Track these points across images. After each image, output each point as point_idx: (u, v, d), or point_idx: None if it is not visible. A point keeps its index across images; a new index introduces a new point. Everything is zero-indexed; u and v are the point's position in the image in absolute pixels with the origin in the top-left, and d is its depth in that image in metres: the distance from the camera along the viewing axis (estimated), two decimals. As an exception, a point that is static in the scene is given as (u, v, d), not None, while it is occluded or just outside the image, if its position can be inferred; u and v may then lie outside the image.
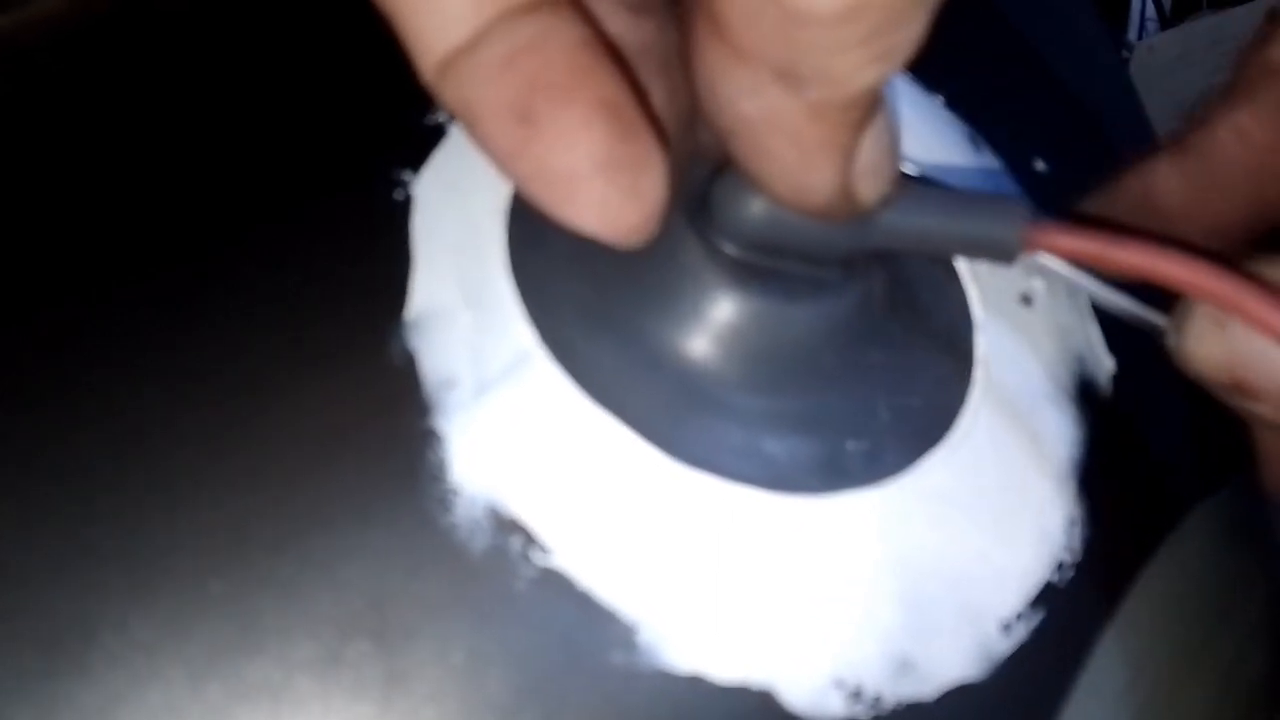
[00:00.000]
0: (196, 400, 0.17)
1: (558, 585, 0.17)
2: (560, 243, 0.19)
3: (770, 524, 0.18)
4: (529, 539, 0.17)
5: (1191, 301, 0.18)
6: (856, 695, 0.18)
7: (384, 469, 0.17)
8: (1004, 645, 0.19)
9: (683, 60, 0.15)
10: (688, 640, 0.17)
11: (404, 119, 0.20)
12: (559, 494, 0.17)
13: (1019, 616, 0.19)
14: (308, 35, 0.21)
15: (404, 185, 0.19)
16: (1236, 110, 0.22)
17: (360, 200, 0.19)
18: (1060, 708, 0.19)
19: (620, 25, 0.16)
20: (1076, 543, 0.20)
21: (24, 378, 0.17)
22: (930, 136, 0.23)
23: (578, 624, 0.17)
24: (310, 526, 0.17)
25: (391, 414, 0.17)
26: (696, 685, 0.17)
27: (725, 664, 0.17)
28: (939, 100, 0.24)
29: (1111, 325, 0.23)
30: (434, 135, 0.19)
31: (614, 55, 0.15)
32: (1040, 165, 0.25)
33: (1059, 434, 0.21)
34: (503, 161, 0.15)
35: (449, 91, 0.15)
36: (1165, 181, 0.22)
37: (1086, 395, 0.22)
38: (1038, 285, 0.23)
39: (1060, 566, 0.20)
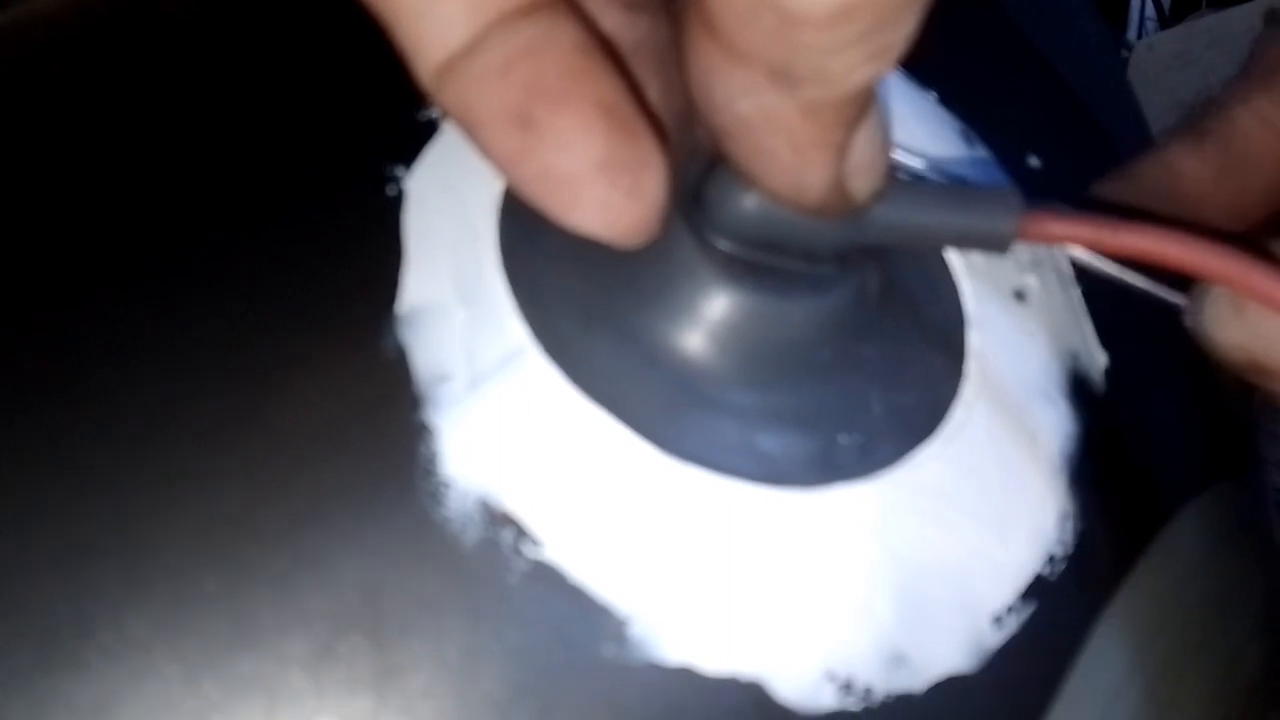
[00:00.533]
0: (189, 395, 0.17)
1: (550, 579, 0.17)
2: (553, 238, 0.19)
3: (762, 517, 0.18)
4: (521, 532, 0.17)
5: (1209, 285, 0.18)
6: (847, 687, 0.18)
7: (376, 463, 0.17)
8: (995, 638, 0.19)
9: (677, 56, 0.15)
10: (679, 633, 0.17)
11: (397, 114, 0.20)
12: (551, 488, 0.17)
13: (1010, 609, 0.19)
14: (302, 32, 0.21)
15: (397, 180, 0.19)
16: (1256, 95, 0.22)
17: (353, 195, 0.19)
18: (1051, 701, 0.19)
19: (614, 22, 0.16)
20: (1069, 537, 0.20)
21: (18, 375, 0.17)
22: (923, 132, 0.23)
23: (570, 617, 0.17)
24: (303, 521, 0.17)
25: (384, 409, 0.17)
26: (688, 677, 0.17)
27: (717, 656, 0.17)
28: (933, 96, 0.24)
29: (1105, 321, 0.23)
30: (427, 131, 0.20)
31: (611, 56, 0.15)
32: (1034, 161, 0.25)
33: (1052, 428, 0.21)
34: (503, 165, 0.15)
35: (448, 96, 0.15)
36: (1186, 167, 0.22)
37: (1080, 390, 0.22)
38: (1032, 281, 0.23)
39: (1052, 560, 0.20)
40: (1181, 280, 0.19)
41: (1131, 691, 0.21)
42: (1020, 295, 0.23)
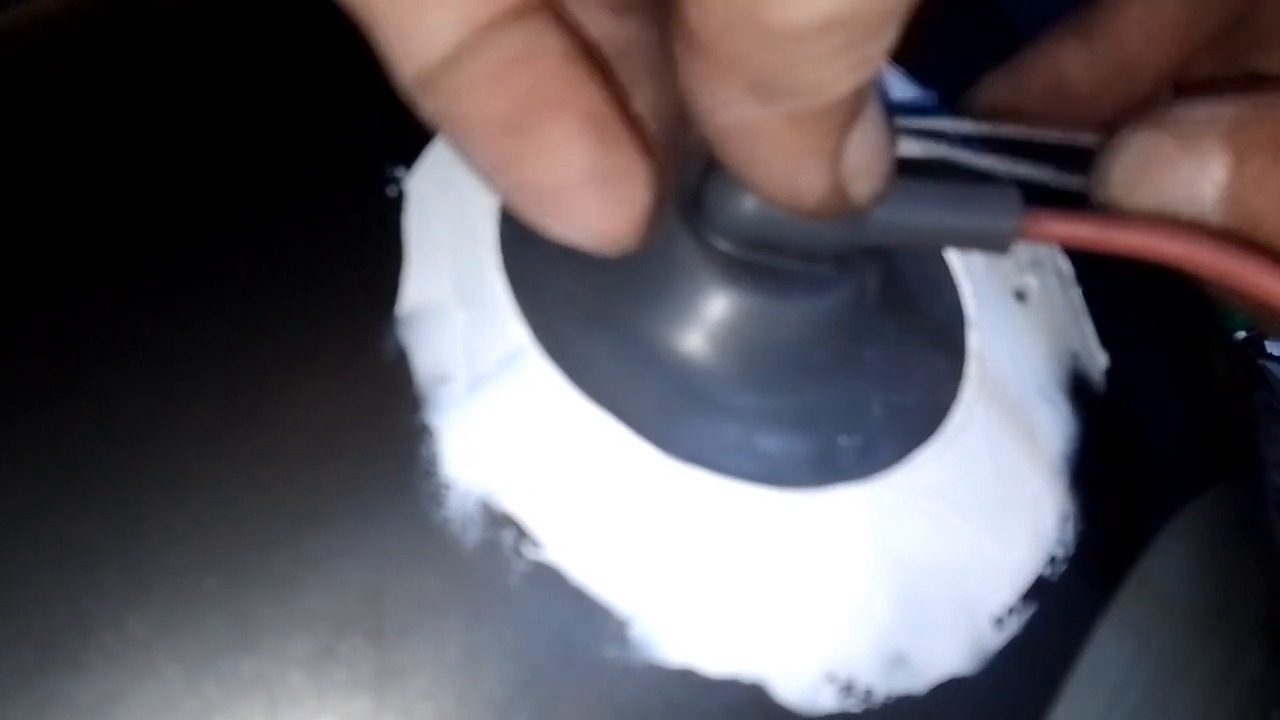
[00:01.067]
0: (189, 396, 0.17)
1: (550, 580, 0.17)
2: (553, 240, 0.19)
3: (762, 518, 0.18)
4: (521, 533, 0.17)
5: (1113, 152, 0.18)
6: (848, 689, 0.18)
7: (377, 465, 0.17)
8: (996, 639, 0.19)
9: (669, 58, 0.15)
10: (680, 634, 0.17)
11: (398, 115, 0.20)
12: (551, 489, 0.17)
13: (1011, 611, 0.19)
14: (302, 32, 0.21)
15: (397, 181, 0.19)
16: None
17: (354, 196, 0.19)
18: (1052, 702, 0.19)
19: (604, 28, 0.16)
20: (1069, 537, 0.20)
21: (17, 376, 0.17)
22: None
23: (570, 618, 0.17)
24: (304, 522, 0.17)
25: (384, 410, 0.17)
26: (689, 678, 0.17)
27: (717, 658, 0.17)
28: (933, 96, 0.24)
29: (1106, 321, 0.23)
30: (428, 132, 0.19)
31: (598, 64, 0.15)
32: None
33: (1053, 429, 0.21)
34: (489, 174, 0.15)
35: (432, 102, 0.15)
36: (1073, 63, 0.22)
37: (1081, 391, 0.22)
38: (1032, 281, 0.23)
39: (1053, 561, 0.20)
40: (1083, 164, 0.19)
41: (1132, 692, 0.21)
42: (1020, 295, 0.23)
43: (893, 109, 0.17)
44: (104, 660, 0.16)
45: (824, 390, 0.20)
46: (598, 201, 0.15)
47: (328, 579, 0.17)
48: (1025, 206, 0.18)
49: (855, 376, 0.20)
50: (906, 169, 0.17)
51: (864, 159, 0.16)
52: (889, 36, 0.13)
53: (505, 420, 0.18)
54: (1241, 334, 0.48)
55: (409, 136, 0.19)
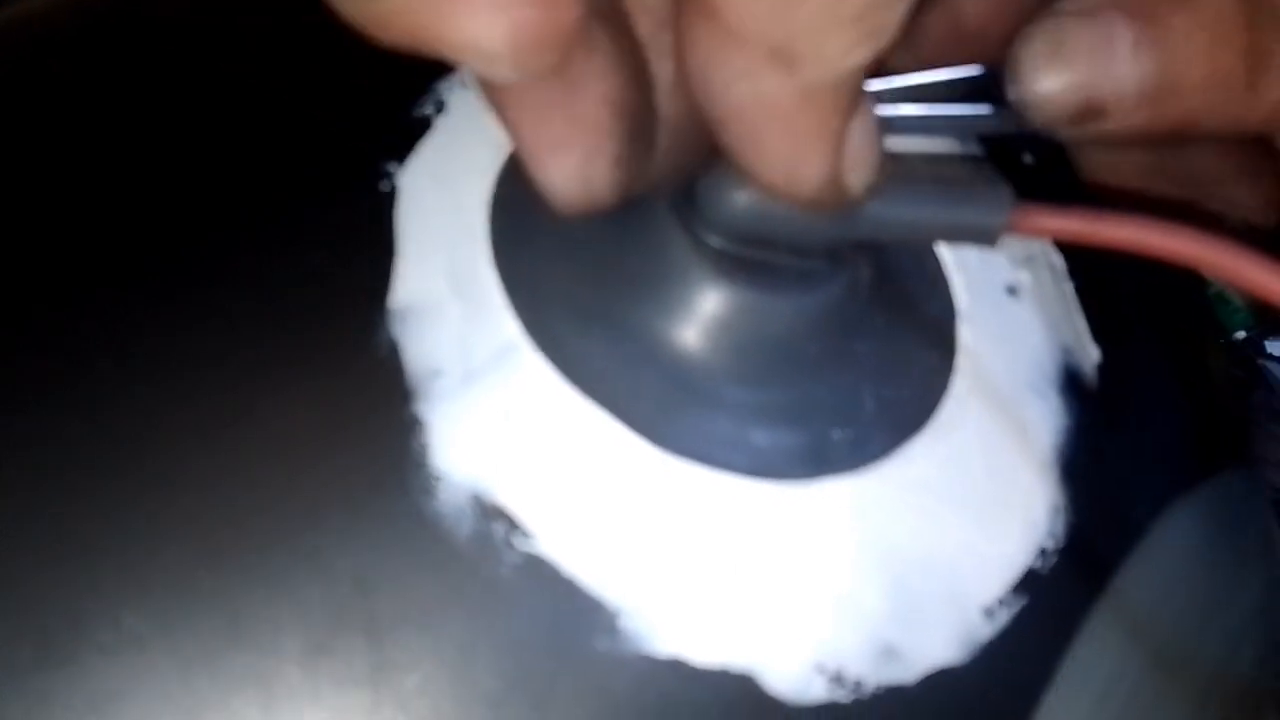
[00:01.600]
0: (181, 391, 0.17)
1: (541, 571, 0.17)
2: (547, 234, 0.19)
3: (753, 510, 0.18)
4: (513, 525, 0.17)
5: (1020, 46, 0.18)
6: (838, 680, 0.18)
7: (369, 458, 0.17)
8: (986, 630, 0.19)
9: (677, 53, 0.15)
10: (671, 625, 0.17)
11: (390, 110, 0.20)
12: (543, 481, 0.17)
13: (1001, 602, 0.19)
14: (296, 29, 0.21)
15: (390, 177, 0.19)
16: None
17: (346, 191, 0.19)
18: (1042, 694, 0.20)
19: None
20: (1060, 529, 0.20)
21: (12, 374, 0.18)
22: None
23: (562, 610, 0.17)
24: (296, 515, 0.17)
25: (376, 403, 0.17)
26: (679, 669, 0.17)
27: (708, 649, 0.17)
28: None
29: (1098, 316, 0.23)
30: (420, 127, 0.20)
31: None
32: (1028, 159, 0.25)
33: (1044, 423, 0.21)
34: None
35: None
36: (971, 9, 0.22)
37: (1072, 385, 0.22)
38: (1024, 276, 0.23)
39: (1043, 553, 0.20)
40: (993, 96, 0.19)
41: (1123, 685, 0.21)
42: (1013, 290, 0.23)
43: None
44: (99, 657, 0.16)
45: (816, 384, 0.20)
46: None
47: (321, 572, 0.17)
48: (1016, 200, 0.18)
49: (847, 370, 0.20)
50: (895, 163, 0.17)
51: (862, 148, 0.16)
52: (901, 6, 0.14)
53: (497, 413, 0.18)
54: (1241, 334, 0.48)
55: (401, 132, 0.19)
